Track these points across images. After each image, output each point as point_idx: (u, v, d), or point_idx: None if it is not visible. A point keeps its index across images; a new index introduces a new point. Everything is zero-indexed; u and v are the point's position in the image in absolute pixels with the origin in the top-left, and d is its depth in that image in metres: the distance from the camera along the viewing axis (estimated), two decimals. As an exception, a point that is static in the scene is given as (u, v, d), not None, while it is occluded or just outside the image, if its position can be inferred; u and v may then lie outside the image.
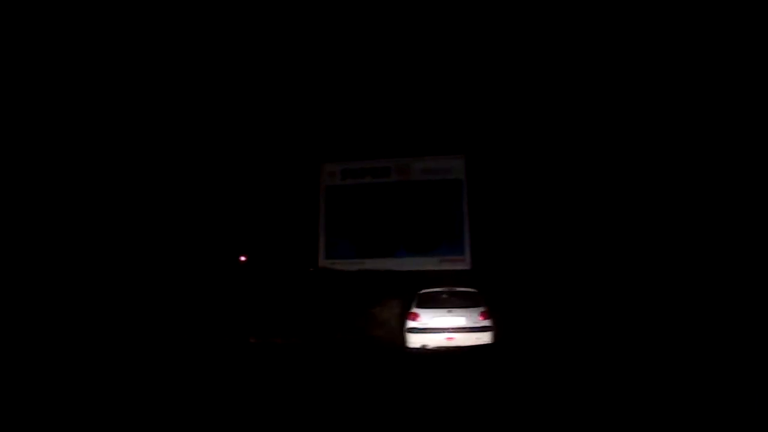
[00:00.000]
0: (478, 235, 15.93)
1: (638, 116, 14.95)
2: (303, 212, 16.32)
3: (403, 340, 10.31)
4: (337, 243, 16.12)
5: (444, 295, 10.78)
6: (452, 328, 9.90)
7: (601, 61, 15.17)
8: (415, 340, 9.95)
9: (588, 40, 15.18)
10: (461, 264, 15.52)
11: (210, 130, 16.22)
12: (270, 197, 16.34)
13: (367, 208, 16.42)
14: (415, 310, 10.36)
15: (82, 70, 14.24)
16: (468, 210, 15.74)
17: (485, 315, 10.26)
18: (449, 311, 10.23)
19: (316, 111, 16.94)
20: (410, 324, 10.19)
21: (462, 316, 10.12)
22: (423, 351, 9.80)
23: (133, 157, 15.04)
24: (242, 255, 16.59)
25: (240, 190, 16.39)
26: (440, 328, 9.96)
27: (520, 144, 15.95)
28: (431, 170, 16.30)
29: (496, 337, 9.93)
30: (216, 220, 15.82)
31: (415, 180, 16.27)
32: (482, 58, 16.11)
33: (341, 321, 13.68)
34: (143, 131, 15.44)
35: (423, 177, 16.27)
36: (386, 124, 16.58)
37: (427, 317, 10.11)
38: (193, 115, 16.06)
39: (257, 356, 8.69)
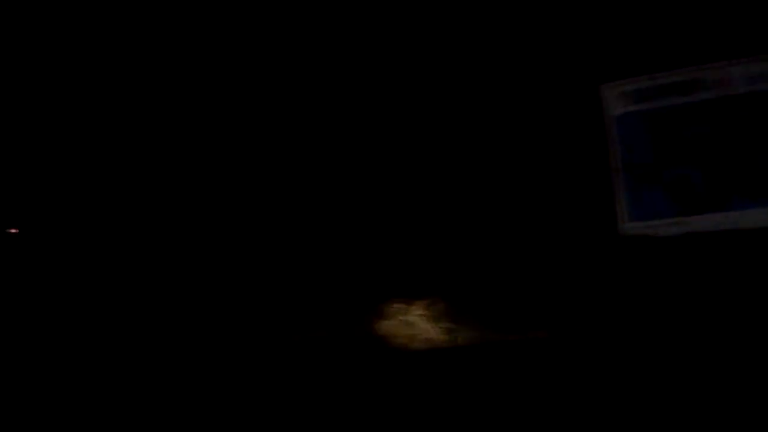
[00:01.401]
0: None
1: None
2: (583, 159, 11.62)
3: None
4: (644, 197, 11.31)
5: None
6: None
7: None
8: None
9: None
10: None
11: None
12: (530, 143, 11.78)
13: (678, 142, 11.44)
14: None
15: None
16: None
17: None
18: None
19: (575, 11, 12.07)
20: None
21: None
22: None
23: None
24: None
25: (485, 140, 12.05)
26: None
27: None
28: (760, 77, 11.03)
29: None
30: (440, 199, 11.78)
31: (740, 93, 11.04)
32: None
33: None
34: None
35: (750, 88, 11.02)
36: (679, 15, 11.46)
37: None
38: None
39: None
